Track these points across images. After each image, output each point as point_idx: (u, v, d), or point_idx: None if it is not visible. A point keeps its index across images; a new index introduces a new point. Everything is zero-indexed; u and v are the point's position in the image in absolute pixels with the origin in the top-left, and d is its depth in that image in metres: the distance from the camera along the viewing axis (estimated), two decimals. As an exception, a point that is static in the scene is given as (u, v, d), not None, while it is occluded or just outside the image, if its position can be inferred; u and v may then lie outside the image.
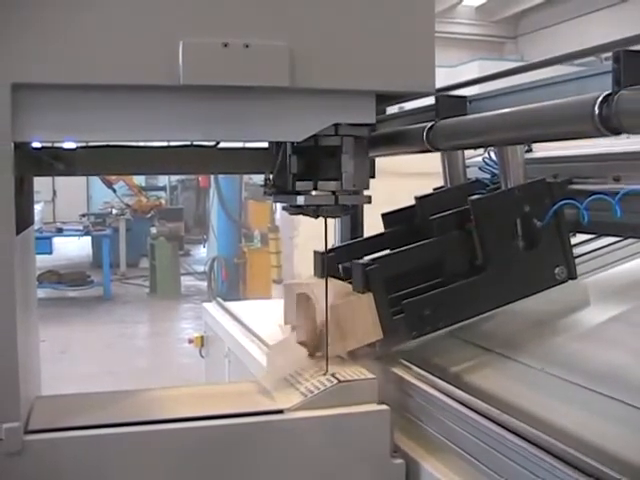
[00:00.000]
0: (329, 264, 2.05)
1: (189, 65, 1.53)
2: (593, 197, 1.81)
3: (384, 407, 1.72)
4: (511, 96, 1.85)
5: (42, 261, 11.98)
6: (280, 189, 1.87)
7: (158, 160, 2.02)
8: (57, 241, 13.86)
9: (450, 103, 1.95)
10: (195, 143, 1.95)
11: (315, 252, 2.15)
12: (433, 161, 2.35)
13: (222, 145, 2.00)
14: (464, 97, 1.97)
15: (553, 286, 1.98)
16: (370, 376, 1.77)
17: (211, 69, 1.55)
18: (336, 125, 1.72)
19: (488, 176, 2.29)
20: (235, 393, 1.85)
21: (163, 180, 18.32)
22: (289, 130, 1.69)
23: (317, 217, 1.81)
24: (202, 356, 3.91)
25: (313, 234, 2.03)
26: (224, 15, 1.57)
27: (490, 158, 2.27)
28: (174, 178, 17.48)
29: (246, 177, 10.56)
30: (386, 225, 2.26)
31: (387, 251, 2.12)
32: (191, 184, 16.72)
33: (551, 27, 17.95)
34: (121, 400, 1.76)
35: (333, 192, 1.75)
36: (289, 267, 6.46)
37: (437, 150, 1.97)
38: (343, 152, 1.76)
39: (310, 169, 1.79)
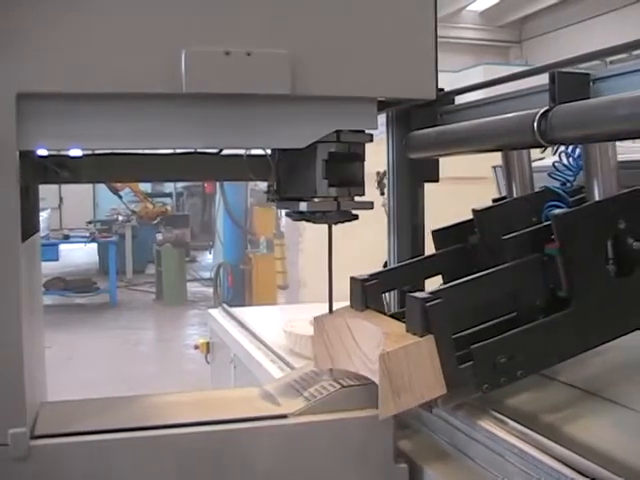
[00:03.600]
0: (370, 293, 1.77)
1: (192, 73, 1.54)
2: None
3: (387, 412, 1.72)
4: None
5: (48, 268, 12.03)
6: (283, 195, 1.88)
7: (162, 167, 2.04)
8: (63, 248, 13.94)
9: (572, 82, 1.46)
10: (199, 150, 1.97)
11: (352, 279, 1.83)
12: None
13: (226, 152, 2.02)
14: (587, 74, 1.51)
15: None
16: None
17: (213, 77, 1.57)
18: (337, 132, 1.73)
19: (557, 184, 1.92)
20: (240, 398, 1.86)
21: (169, 187, 18.36)
22: (291, 137, 1.70)
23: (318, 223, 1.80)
24: (208, 362, 3.93)
25: (318, 240, 2.00)
26: (226, 24, 1.59)
27: (561, 162, 1.94)
28: (180, 185, 17.52)
29: (251, 183, 10.57)
30: (437, 244, 1.93)
31: (439, 277, 1.87)
32: (197, 191, 16.77)
33: (556, 31, 17.93)
34: (126, 405, 1.76)
35: (335, 198, 1.76)
36: (294, 273, 6.47)
37: (553, 144, 1.55)
38: (360, 160, 1.77)
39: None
